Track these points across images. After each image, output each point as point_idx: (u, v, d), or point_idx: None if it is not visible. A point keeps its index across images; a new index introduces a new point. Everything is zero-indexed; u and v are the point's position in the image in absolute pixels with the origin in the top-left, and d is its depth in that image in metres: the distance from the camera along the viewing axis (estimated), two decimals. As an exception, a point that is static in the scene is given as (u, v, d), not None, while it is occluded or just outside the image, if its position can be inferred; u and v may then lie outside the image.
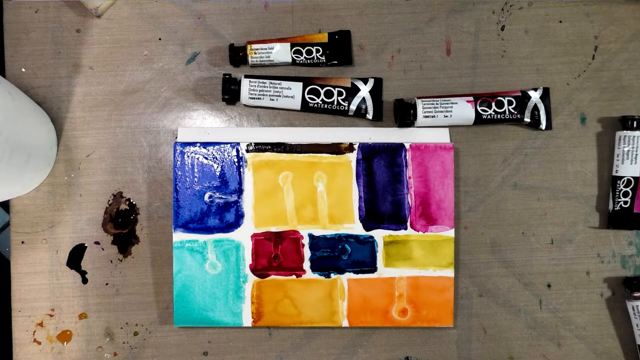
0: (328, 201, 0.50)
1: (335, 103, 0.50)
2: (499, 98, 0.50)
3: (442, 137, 0.51)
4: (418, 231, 0.50)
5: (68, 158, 0.51)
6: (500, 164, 0.52)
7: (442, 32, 0.52)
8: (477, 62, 0.52)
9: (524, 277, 0.51)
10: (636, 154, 0.49)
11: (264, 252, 0.50)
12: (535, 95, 0.51)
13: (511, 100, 0.50)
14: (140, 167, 0.51)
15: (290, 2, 0.52)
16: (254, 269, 0.50)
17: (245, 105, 0.51)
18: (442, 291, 0.50)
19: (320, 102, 0.50)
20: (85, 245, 0.51)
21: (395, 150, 0.50)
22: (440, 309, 0.50)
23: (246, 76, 0.50)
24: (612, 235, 0.52)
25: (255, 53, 0.50)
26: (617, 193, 0.50)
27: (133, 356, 0.51)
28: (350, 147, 0.50)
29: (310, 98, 0.50)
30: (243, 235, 0.50)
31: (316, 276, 0.50)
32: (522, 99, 0.50)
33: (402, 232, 0.50)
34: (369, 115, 0.50)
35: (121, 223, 0.51)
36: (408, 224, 0.50)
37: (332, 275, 0.50)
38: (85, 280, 0.51)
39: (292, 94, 0.50)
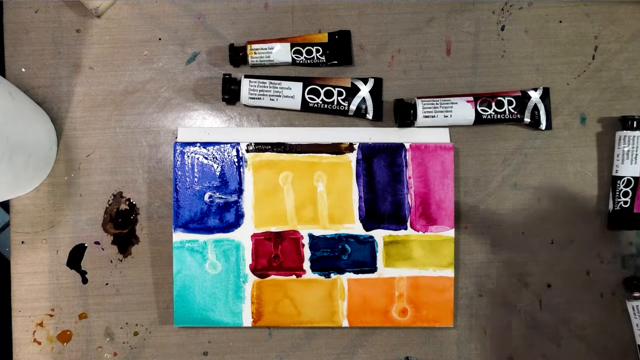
0: (328, 201, 0.50)
1: (335, 103, 0.50)
2: (499, 98, 0.50)
3: (442, 137, 0.51)
4: (418, 231, 0.50)
5: (68, 158, 0.51)
6: (500, 164, 0.52)
7: (442, 32, 0.52)
8: (477, 62, 0.52)
9: (524, 277, 0.51)
10: (636, 154, 0.49)
11: (264, 252, 0.50)
12: (535, 95, 0.51)
13: (511, 100, 0.50)
14: (140, 167, 0.51)
15: (290, 2, 0.52)
16: (254, 269, 0.50)
17: (245, 105, 0.51)
18: (442, 291, 0.50)
19: (320, 102, 0.50)
20: (85, 245, 0.51)
21: (395, 150, 0.50)
22: (440, 309, 0.50)
23: (246, 76, 0.50)
24: (612, 235, 0.52)
25: (255, 53, 0.50)
26: (617, 193, 0.50)
27: (133, 356, 0.51)
28: (350, 147, 0.50)
29: (310, 98, 0.50)
30: (243, 235, 0.50)
31: (316, 276, 0.50)
32: (522, 99, 0.50)
33: (402, 232, 0.50)
34: (369, 115, 0.50)
35: (121, 223, 0.51)
36: (408, 224, 0.50)
37: (332, 275, 0.50)
38: (85, 280, 0.51)
39: (292, 94, 0.50)
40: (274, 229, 0.50)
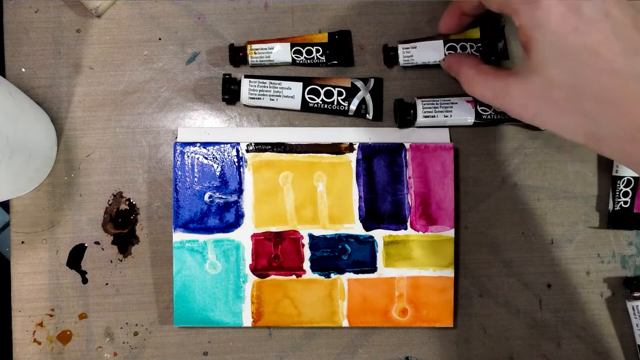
0: (328, 201, 0.50)
1: (335, 103, 0.50)
2: (499, 98, 0.50)
3: (442, 137, 0.51)
4: (418, 231, 0.50)
5: (68, 158, 0.51)
6: (500, 164, 0.52)
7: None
8: (477, 62, 0.52)
9: (524, 277, 0.51)
10: (636, 154, 0.49)
11: (264, 252, 0.50)
12: (535, 95, 0.51)
13: (511, 100, 0.50)
14: (140, 167, 0.51)
15: (290, 2, 0.52)
16: (254, 269, 0.50)
17: (245, 105, 0.51)
18: (442, 291, 0.50)
19: (320, 102, 0.50)
20: (85, 245, 0.51)
21: (395, 150, 0.50)
22: (440, 309, 0.50)
23: (246, 76, 0.50)
24: (612, 235, 0.52)
25: (255, 53, 0.50)
26: (617, 193, 0.50)
27: (133, 356, 0.51)
28: (350, 147, 0.50)
29: (310, 98, 0.50)
30: (243, 235, 0.50)
31: (316, 276, 0.50)
32: (522, 99, 0.50)
33: (402, 232, 0.50)
34: (369, 115, 0.50)
35: (121, 223, 0.51)
36: (408, 224, 0.50)
37: (332, 275, 0.50)
38: (85, 280, 0.51)
39: (292, 94, 0.50)
40: (274, 229, 0.50)
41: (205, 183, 0.49)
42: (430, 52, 0.49)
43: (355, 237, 0.50)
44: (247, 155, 0.50)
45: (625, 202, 0.50)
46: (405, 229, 0.50)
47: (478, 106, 0.50)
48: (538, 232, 0.52)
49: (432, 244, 0.50)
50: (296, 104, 0.50)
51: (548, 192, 0.52)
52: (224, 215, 0.49)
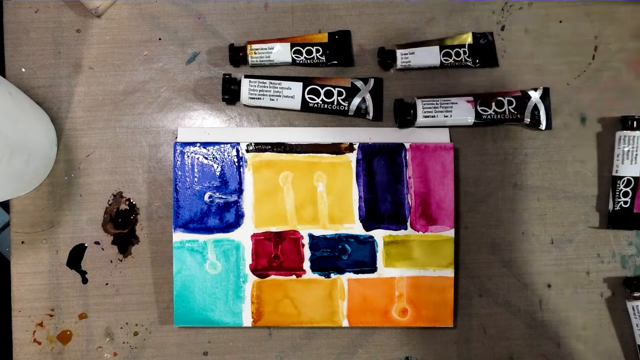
0: (328, 201, 0.50)
1: (335, 103, 0.50)
2: (499, 98, 0.50)
3: (442, 137, 0.51)
4: (418, 231, 0.50)
5: (68, 158, 0.51)
6: (500, 164, 0.52)
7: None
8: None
9: (524, 277, 0.51)
10: (636, 154, 0.49)
11: (264, 252, 0.50)
12: (535, 95, 0.51)
13: (511, 100, 0.50)
14: (140, 167, 0.51)
15: (290, 2, 0.52)
16: (254, 269, 0.50)
17: (245, 105, 0.51)
18: (442, 291, 0.50)
19: (320, 102, 0.50)
20: (85, 245, 0.51)
21: (395, 150, 0.50)
22: (440, 309, 0.50)
23: (246, 76, 0.50)
24: (612, 235, 0.52)
25: (255, 53, 0.50)
26: (617, 193, 0.50)
27: (133, 356, 0.51)
28: (350, 147, 0.50)
29: (310, 98, 0.50)
30: (243, 235, 0.50)
31: (316, 276, 0.50)
32: (522, 99, 0.50)
33: (402, 232, 0.50)
34: (369, 115, 0.50)
35: (121, 223, 0.51)
36: (408, 224, 0.50)
37: (332, 275, 0.50)
38: (85, 280, 0.51)
39: (292, 94, 0.50)
40: (274, 229, 0.50)
41: (205, 183, 0.49)
42: (427, 56, 0.50)
43: (355, 237, 0.50)
44: (247, 155, 0.50)
45: (625, 202, 0.50)
46: (405, 229, 0.50)
47: (478, 106, 0.50)
48: (538, 232, 0.52)
49: (432, 244, 0.50)
50: (296, 104, 0.50)
51: (548, 192, 0.52)
52: (224, 215, 0.49)
